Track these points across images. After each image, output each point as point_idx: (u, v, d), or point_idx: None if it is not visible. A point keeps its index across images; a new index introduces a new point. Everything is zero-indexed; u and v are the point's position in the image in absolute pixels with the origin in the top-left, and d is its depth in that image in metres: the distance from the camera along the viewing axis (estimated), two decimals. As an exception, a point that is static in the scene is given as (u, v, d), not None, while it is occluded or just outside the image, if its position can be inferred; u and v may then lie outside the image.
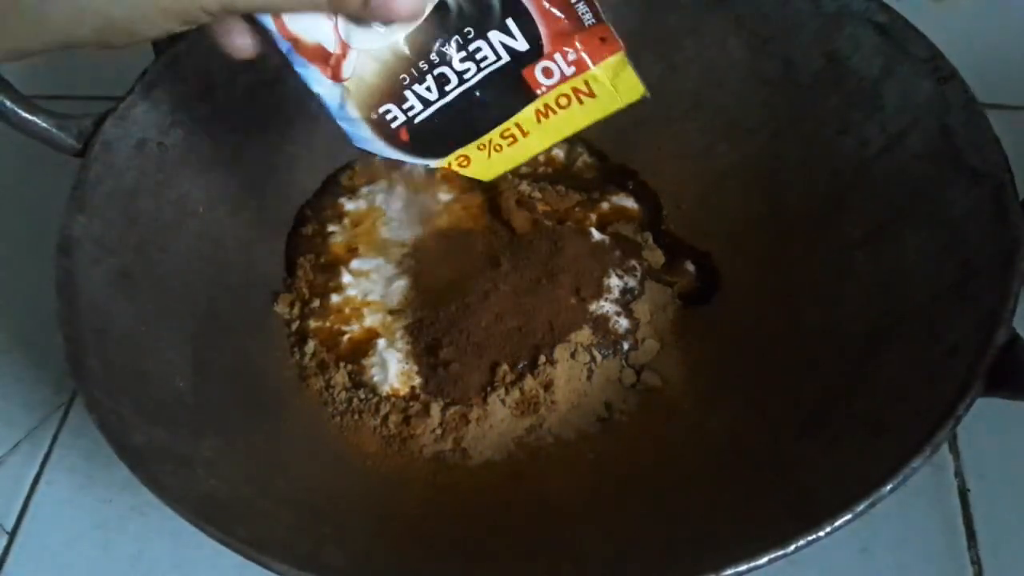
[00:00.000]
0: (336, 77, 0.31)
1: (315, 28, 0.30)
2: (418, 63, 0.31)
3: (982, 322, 0.33)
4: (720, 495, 0.36)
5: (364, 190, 0.49)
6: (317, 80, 0.32)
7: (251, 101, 0.47)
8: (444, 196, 0.49)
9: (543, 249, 0.44)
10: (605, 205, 0.48)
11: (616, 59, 0.33)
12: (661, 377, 0.42)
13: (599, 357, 0.42)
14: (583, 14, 0.31)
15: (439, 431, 0.40)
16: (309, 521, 0.35)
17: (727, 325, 0.43)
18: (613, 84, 0.33)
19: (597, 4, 0.31)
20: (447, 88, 0.32)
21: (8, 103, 0.40)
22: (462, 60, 0.32)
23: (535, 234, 0.45)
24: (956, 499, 0.40)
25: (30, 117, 0.40)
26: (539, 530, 0.37)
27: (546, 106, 0.33)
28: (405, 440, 0.40)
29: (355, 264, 0.46)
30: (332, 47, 0.31)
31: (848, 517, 0.30)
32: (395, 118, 0.33)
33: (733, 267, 0.45)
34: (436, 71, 0.32)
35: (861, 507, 0.30)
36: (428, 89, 0.32)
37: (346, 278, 0.45)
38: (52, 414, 0.45)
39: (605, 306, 0.43)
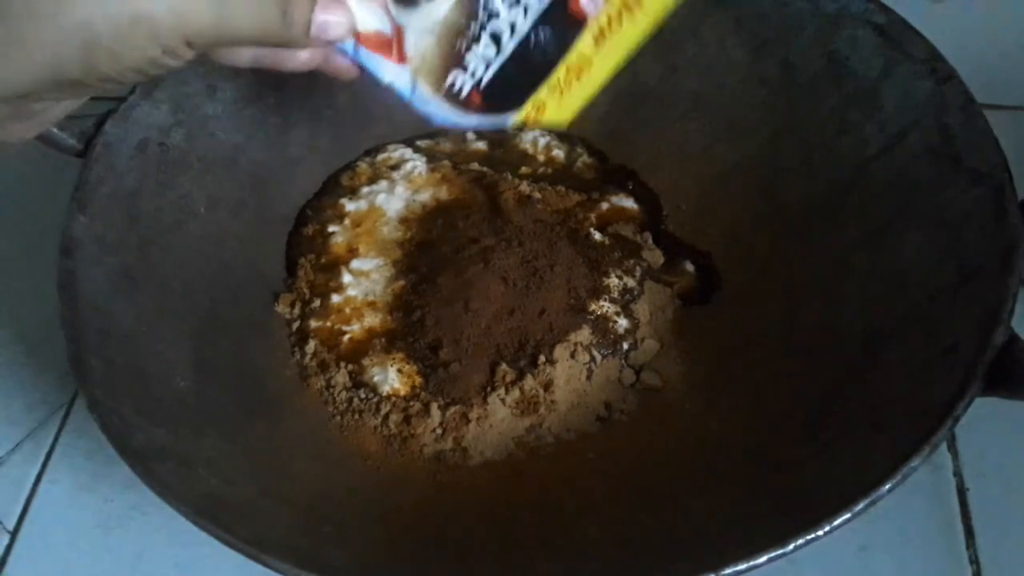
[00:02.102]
0: (401, 59, 0.32)
1: (369, 18, 0.31)
2: (469, 26, 0.32)
3: (981, 322, 0.33)
4: (720, 495, 0.36)
5: (365, 190, 0.49)
6: (385, 69, 0.32)
7: (252, 101, 0.47)
8: (444, 196, 0.49)
9: (543, 249, 0.44)
10: (605, 205, 0.48)
11: None
12: (661, 377, 0.42)
13: (599, 357, 0.42)
14: None
15: (439, 431, 0.40)
16: (309, 521, 0.35)
17: (727, 325, 0.43)
18: None
19: None
20: (503, 42, 0.33)
21: (9, 104, 0.40)
22: (509, 8, 0.32)
23: (535, 234, 0.45)
24: (955, 498, 0.40)
25: (31, 118, 0.40)
26: (539, 530, 0.37)
27: (600, 29, 0.33)
28: (405, 440, 0.40)
29: (355, 264, 0.46)
30: (389, 31, 0.31)
31: (847, 516, 0.30)
32: (464, 84, 0.33)
33: (733, 267, 0.45)
34: (489, 28, 0.32)
35: (860, 506, 0.30)
36: (486, 47, 0.33)
37: (347, 278, 0.45)
38: (54, 414, 0.45)
39: (605, 306, 0.43)
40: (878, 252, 0.40)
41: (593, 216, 0.47)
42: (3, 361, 0.47)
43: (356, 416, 0.41)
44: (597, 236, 0.46)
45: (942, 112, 0.39)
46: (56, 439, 0.45)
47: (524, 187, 0.48)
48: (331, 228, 0.48)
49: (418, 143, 0.52)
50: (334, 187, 0.50)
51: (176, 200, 0.44)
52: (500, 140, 0.52)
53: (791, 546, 0.29)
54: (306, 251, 0.47)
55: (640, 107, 0.50)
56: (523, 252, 0.44)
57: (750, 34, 0.46)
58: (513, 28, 0.33)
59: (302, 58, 0.32)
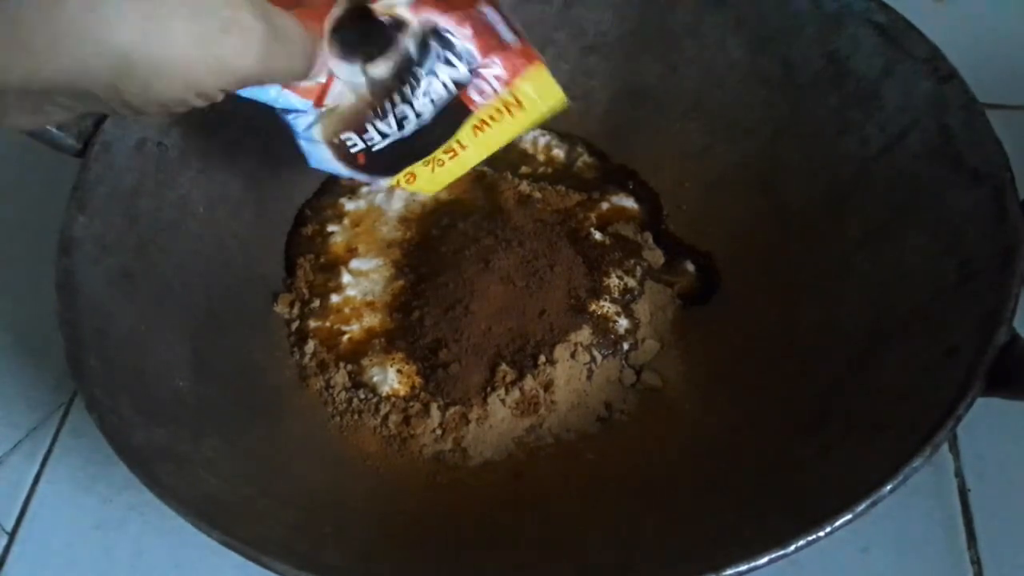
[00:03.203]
0: (319, 103, 0.34)
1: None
2: (383, 102, 0.34)
3: (982, 322, 0.33)
4: (720, 495, 0.36)
5: (364, 190, 0.49)
6: (293, 103, 0.34)
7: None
8: (444, 197, 0.49)
9: (543, 249, 0.44)
10: (605, 205, 0.48)
11: (538, 70, 0.36)
12: (661, 377, 0.42)
13: (599, 357, 0.42)
14: (503, 33, 0.34)
15: (439, 431, 0.40)
16: (309, 521, 0.35)
17: (727, 325, 0.43)
18: (537, 94, 0.36)
19: (512, 21, 0.34)
20: (405, 124, 0.35)
21: (8, 103, 0.40)
22: (421, 99, 0.35)
23: (535, 234, 0.45)
24: (956, 499, 0.40)
25: (30, 117, 0.40)
26: (539, 530, 0.37)
27: (481, 121, 0.36)
28: (405, 440, 0.40)
29: (355, 264, 0.46)
30: (323, 78, 0.33)
31: (848, 517, 0.30)
32: (355, 145, 0.35)
33: (733, 267, 0.45)
34: (398, 110, 0.35)
35: (861, 507, 0.30)
36: (388, 125, 0.35)
37: (346, 278, 0.45)
38: (52, 414, 0.45)
39: (605, 306, 0.43)
40: (879, 252, 0.40)
41: (593, 216, 0.47)
42: (2, 361, 0.47)
43: (356, 416, 0.41)
44: (597, 236, 0.46)
45: (943, 112, 0.39)
46: (55, 439, 0.45)
47: (524, 187, 0.48)
48: (330, 228, 0.48)
49: (418, 143, 0.52)
50: (334, 187, 0.50)
51: (175, 200, 0.44)
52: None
53: (792, 547, 0.29)
54: (305, 251, 0.47)
55: (640, 107, 0.50)
56: (523, 252, 0.44)
57: (750, 34, 0.46)
58: (419, 116, 0.35)
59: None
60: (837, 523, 0.29)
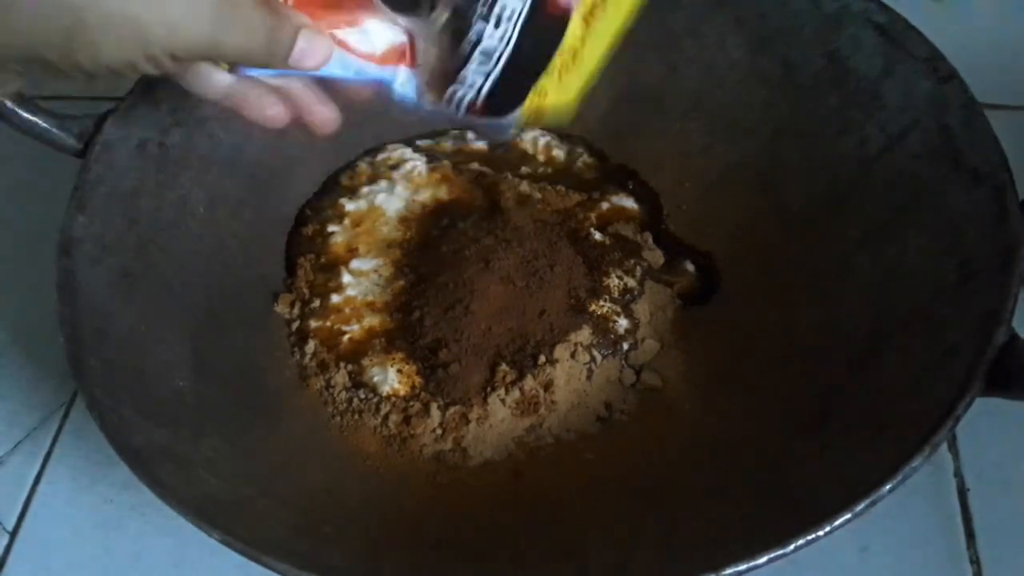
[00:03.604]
0: (413, 63, 0.33)
1: (385, 32, 0.33)
2: (461, 45, 0.33)
3: (982, 322, 0.33)
4: (720, 495, 0.36)
5: (364, 190, 0.49)
6: (395, 78, 0.33)
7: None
8: (444, 196, 0.49)
9: (543, 249, 0.44)
10: (605, 205, 0.48)
11: None
12: (661, 377, 0.42)
13: (599, 357, 0.42)
14: None
15: (439, 431, 0.40)
16: (309, 521, 0.35)
17: (727, 325, 0.43)
18: None
19: None
20: (496, 57, 0.33)
21: (9, 104, 0.40)
22: (496, 26, 0.32)
23: (535, 234, 0.45)
24: (955, 499, 0.40)
25: (31, 118, 0.40)
26: (539, 530, 0.37)
27: (588, 12, 0.34)
28: (405, 440, 0.40)
29: (355, 264, 0.46)
30: (403, 40, 0.33)
31: (847, 517, 0.30)
32: (464, 95, 0.34)
33: (733, 267, 0.45)
34: (480, 47, 0.33)
35: (860, 507, 0.30)
36: (480, 63, 0.33)
37: (346, 278, 0.45)
38: (53, 414, 0.45)
39: (605, 306, 0.43)
40: (878, 252, 0.40)
41: (593, 216, 0.47)
42: (3, 361, 0.47)
43: (356, 416, 0.41)
44: (597, 236, 0.46)
45: (943, 112, 0.39)
46: (55, 439, 0.45)
47: (524, 187, 0.48)
48: (331, 228, 0.48)
49: (418, 143, 0.52)
50: (334, 187, 0.50)
51: (175, 200, 0.44)
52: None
53: (791, 546, 0.29)
54: (306, 251, 0.47)
55: (640, 107, 0.50)
56: (523, 252, 0.44)
57: (750, 34, 0.46)
58: (503, 41, 0.33)
59: (271, 112, 0.33)
60: (836, 523, 0.29)
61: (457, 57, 0.33)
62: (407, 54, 0.33)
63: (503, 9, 0.32)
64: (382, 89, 0.34)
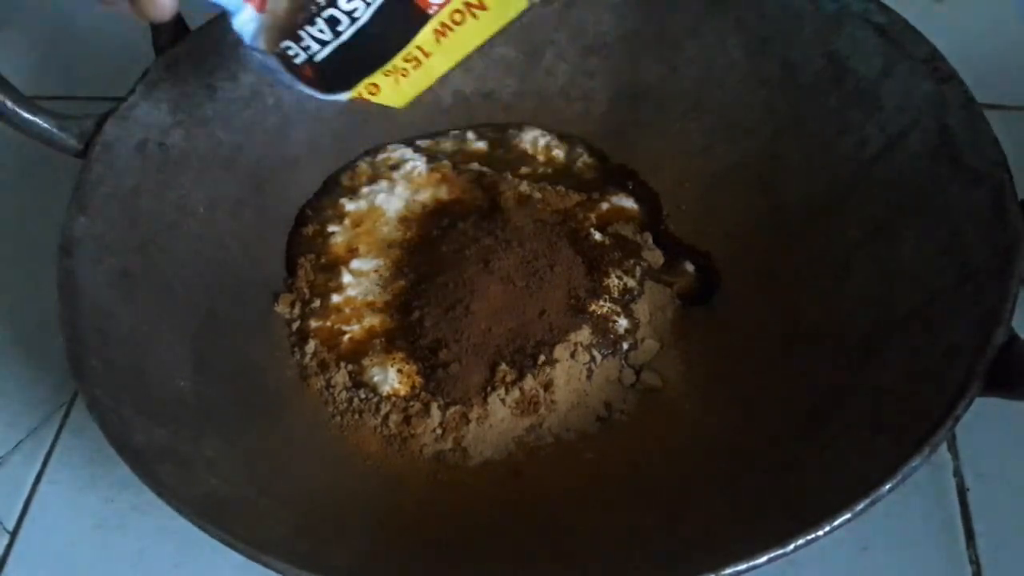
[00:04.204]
0: (261, 7, 0.33)
1: None
2: (308, 5, 0.32)
3: (981, 322, 0.33)
4: (720, 495, 0.36)
5: (365, 190, 0.49)
6: (239, 11, 0.33)
7: (251, 101, 0.47)
8: (444, 196, 0.49)
9: (543, 249, 0.44)
10: (605, 205, 0.48)
11: None
12: (661, 377, 0.42)
13: (599, 357, 0.42)
14: None
15: (439, 431, 0.40)
16: (309, 521, 0.35)
17: (727, 325, 0.43)
18: None
19: None
20: (339, 29, 0.33)
21: (10, 104, 0.40)
22: (348, 0, 0.32)
23: (535, 234, 0.45)
24: (955, 498, 0.40)
25: (32, 118, 0.40)
26: (539, 530, 0.37)
27: (442, 24, 0.34)
28: (405, 440, 0.40)
29: (355, 264, 0.46)
30: None
31: (847, 516, 0.30)
32: (296, 55, 0.34)
33: (733, 267, 0.45)
34: (326, 13, 0.32)
35: (860, 506, 0.30)
36: (321, 31, 0.33)
37: (346, 278, 0.45)
38: (53, 414, 0.45)
39: (605, 306, 0.43)
40: (878, 252, 0.40)
41: (593, 216, 0.47)
42: (3, 361, 0.47)
43: (356, 416, 0.41)
44: (597, 236, 0.46)
45: (942, 112, 0.39)
46: (56, 439, 0.45)
47: (524, 187, 0.48)
48: (331, 228, 0.48)
49: (418, 143, 0.52)
50: (334, 187, 0.50)
51: (176, 200, 0.44)
52: (500, 140, 0.52)
53: (791, 546, 0.29)
54: (306, 251, 0.47)
55: (640, 107, 0.50)
56: (523, 252, 0.44)
57: (750, 34, 0.46)
58: (352, 17, 0.33)
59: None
60: (836, 522, 0.29)
61: (302, 15, 0.32)
62: None
63: None
64: (224, 16, 0.33)
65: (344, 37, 0.33)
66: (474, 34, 0.35)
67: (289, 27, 0.33)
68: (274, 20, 0.33)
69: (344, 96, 0.35)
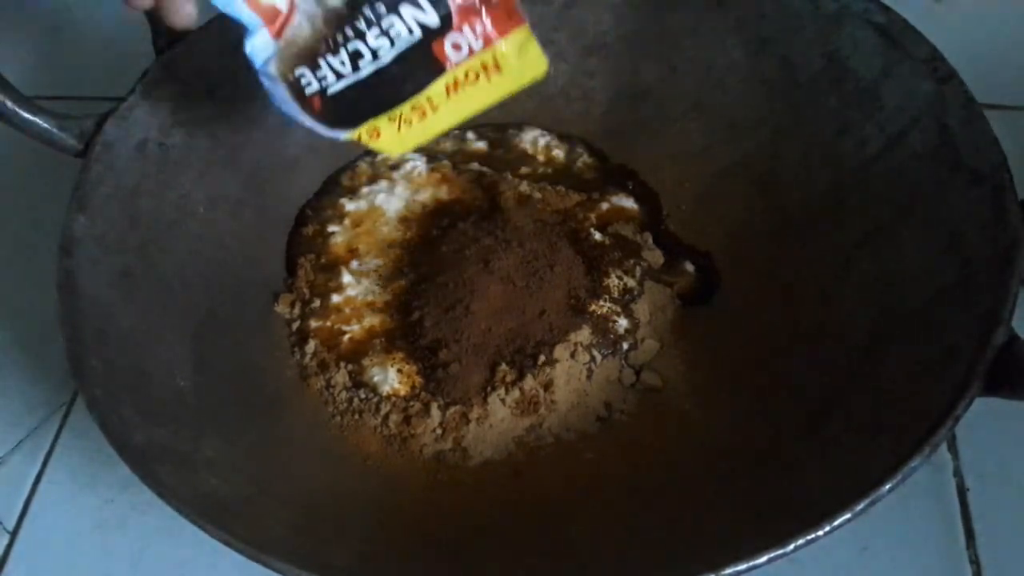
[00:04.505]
0: (278, 35, 0.33)
1: None
2: (335, 34, 0.32)
3: (981, 322, 0.33)
4: (720, 494, 0.36)
5: (365, 190, 0.49)
6: (256, 33, 0.33)
7: (251, 101, 0.47)
8: (444, 196, 0.49)
9: (543, 249, 0.44)
10: (605, 205, 0.48)
11: (521, 33, 0.33)
12: (661, 377, 0.42)
13: (599, 357, 0.42)
14: None
15: (439, 431, 0.40)
16: (309, 521, 0.35)
17: (727, 325, 0.43)
18: (519, 59, 0.34)
19: None
20: (360, 64, 0.33)
21: (10, 104, 0.40)
22: (376, 37, 0.32)
23: (535, 234, 0.45)
24: (955, 498, 0.40)
25: (31, 118, 0.40)
26: (539, 530, 0.37)
27: (455, 81, 0.34)
28: (405, 440, 0.40)
29: (355, 264, 0.46)
30: (283, 7, 0.32)
31: (847, 516, 0.30)
32: (309, 83, 0.34)
33: (733, 267, 0.45)
34: (351, 46, 0.32)
35: (860, 506, 0.30)
36: (342, 63, 0.33)
37: (346, 278, 0.45)
38: (53, 414, 0.45)
39: (605, 306, 0.43)
40: (878, 252, 0.40)
41: (593, 216, 0.47)
42: (3, 361, 0.47)
43: (356, 416, 0.41)
44: (597, 236, 0.46)
45: (942, 112, 0.39)
46: (56, 439, 0.45)
47: (524, 187, 0.48)
48: (331, 228, 0.48)
49: (418, 143, 0.52)
50: (334, 187, 0.50)
51: (176, 200, 0.44)
52: (500, 140, 0.52)
53: (791, 546, 0.29)
54: (306, 251, 0.47)
55: (640, 107, 0.50)
56: (523, 252, 0.44)
57: (750, 34, 0.46)
58: (375, 55, 0.33)
59: None
60: (836, 522, 0.29)
61: (324, 45, 0.32)
62: (279, 23, 0.32)
63: (392, 26, 0.32)
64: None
65: (362, 74, 0.33)
66: (484, 95, 0.35)
67: (307, 55, 0.33)
68: (290, 47, 0.33)
69: (344, 135, 0.35)
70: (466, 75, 0.34)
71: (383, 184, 0.49)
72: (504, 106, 0.52)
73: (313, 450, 0.40)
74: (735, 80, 0.47)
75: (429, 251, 0.46)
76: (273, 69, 0.33)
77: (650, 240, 0.47)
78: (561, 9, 0.50)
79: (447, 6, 0.32)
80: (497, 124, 0.52)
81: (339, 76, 0.33)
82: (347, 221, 0.48)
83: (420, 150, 0.51)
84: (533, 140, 0.51)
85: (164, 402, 0.37)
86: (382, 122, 0.35)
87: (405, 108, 0.34)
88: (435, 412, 0.40)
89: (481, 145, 0.52)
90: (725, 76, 0.48)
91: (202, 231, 0.44)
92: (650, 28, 0.49)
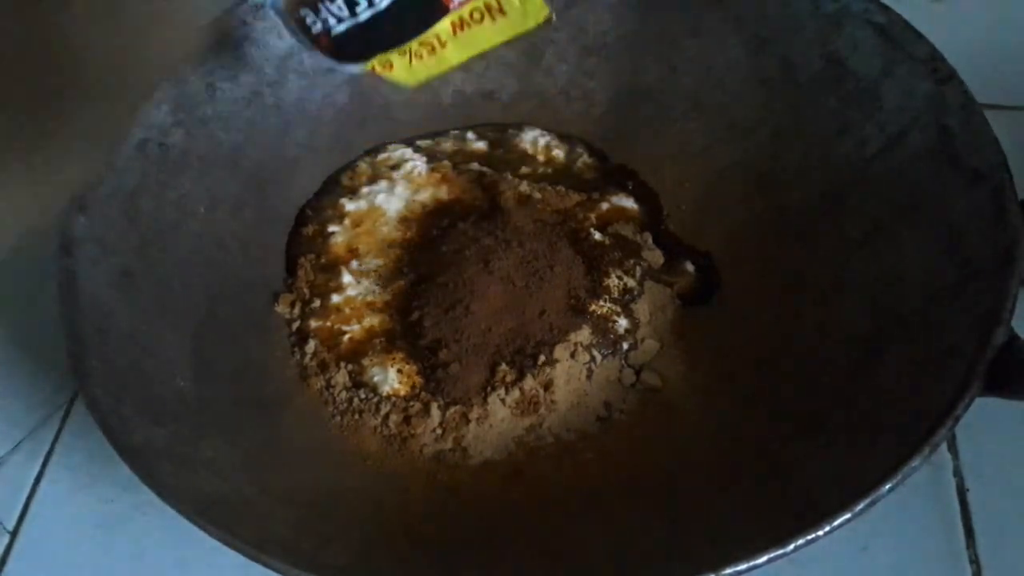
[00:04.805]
0: None
1: None
2: None
3: (981, 322, 0.33)
4: (719, 495, 0.36)
5: (365, 190, 0.49)
6: None
7: (251, 101, 0.47)
8: (444, 196, 0.49)
9: (543, 249, 0.44)
10: (605, 205, 0.48)
11: None
12: (661, 377, 0.42)
13: (599, 357, 0.42)
14: None
15: (439, 431, 0.40)
16: (309, 521, 0.35)
17: (727, 325, 0.43)
18: (521, 3, 0.35)
19: None
20: (357, 10, 0.34)
21: (9, 103, 0.40)
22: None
23: (535, 234, 0.45)
24: (955, 499, 0.40)
25: (31, 117, 0.40)
26: (539, 530, 0.37)
27: (460, 19, 0.35)
28: (405, 440, 0.40)
29: (355, 264, 0.46)
30: None
31: (847, 516, 0.30)
32: (314, 23, 0.35)
33: (733, 267, 0.45)
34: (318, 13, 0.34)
35: (860, 506, 0.30)
36: (339, 8, 0.34)
37: (346, 278, 0.45)
38: (53, 414, 0.45)
39: (605, 306, 0.43)
40: (878, 252, 0.40)
41: (593, 216, 0.47)
42: (3, 361, 0.47)
43: (356, 416, 0.41)
44: (597, 236, 0.46)
45: (942, 112, 0.39)
46: (56, 439, 0.45)
47: (524, 187, 0.48)
48: (331, 228, 0.48)
49: (418, 143, 0.52)
50: (334, 187, 0.50)
51: (176, 200, 0.44)
52: (500, 140, 0.52)
53: (791, 546, 0.29)
54: (306, 251, 0.47)
55: (640, 107, 0.50)
56: (523, 252, 0.44)
57: (750, 34, 0.46)
58: (372, 2, 0.33)
59: None
60: (836, 522, 0.30)
61: None
62: None
63: None
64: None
65: (360, 18, 0.34)
66: (490, 35, 0.36)
67: None
68: None
69: (356, 69, 0.36)
70: (471, 14, 0.35)
71: (383, 184, 0.49)
72: (504, 106, 0.52)
73: (313, 450, 0.40)
74: (735, 80, 0.47)
75: (429, 251, 0.46)
76: (282, 5, 0.35)
77: (650, 240, 0.47)
78: (561, 9, 0.50)
79: None
80: (497, 124, 0.52)
81: (338, 20, 0.34)
82: (347, 221, 0.48)
83: (420, 150, 0.51)
84: (533, 140, 0.51)
85: (164, 402, 0.37)
86: (393, 55, 0.36)
87: (413, 44, 0.36)
88: (435, 412, 0.40)
89: (481, 145, 0.52)
90: (725, 76, 0.48)
91: (202, 231, 0.44)
92: (650, 28, 0.49)
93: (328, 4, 0.34)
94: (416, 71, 0.37)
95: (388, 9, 0.34)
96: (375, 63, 0.36)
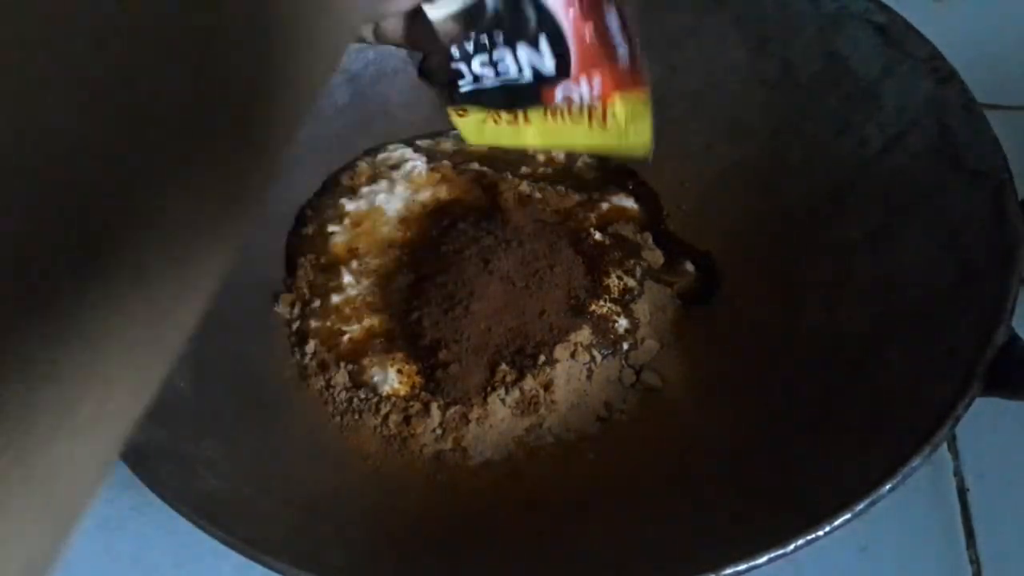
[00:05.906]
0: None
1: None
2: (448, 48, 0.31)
3: (981, 322, 0.33)
4: (720, 494, 0.36)
5: (365, 190, 0.49)
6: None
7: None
8: (444, 196, 0.49)
9: (543, 249, 0.44)
10: (605, 205, 0.48)
11: (639, 97, 0.31)
12: (661, 377, 0.42)
13: (599, 357, 0.42)
14: (619, 49, 0.30)
15: (439, 431, 0.40)
16: (309, 521, 0.35)
17: (727, 325, 0.43)
18: (626, 123, 0.32)
19: (636, 39, 0.30)
20: (460, 83, 0.31)
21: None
22: (481, 65, 0.30)
23: (535, 234, 0.45)
24: (955, 498, 0.40)
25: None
26: (539, 530, 0.37)
27: (558, 109, 0.32)
28: (405, 440, 0.40)
29: (355, 264, 0.46)
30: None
31: (847, 516, 0.30)
32: (455, 59, 0.31)
33: (733, 267, 0.45)
34: (453, 65, 0.30)
35: (860, 506, 0.30)
36: (482, 63, 0.31)
37: (346, 278, 0.45)
38: (53, 414, 0.45)
39: (605, 306, 0.43)
40: (878, 252, 0.40)
41: (593, 216, 0.47)
42: (3, 361, 0.47)
43: (356, 416, 0.41)
44: (597, 236, 0.46)
45: (942, 112, 0.39)
46: (56, 439, 0.45)
47: (524, 187, 0.48)
48: (331, 228, 0.48)
49: (418, 143, 0.52)
50: (334, 187, 0.50)
51: (176, 200, 0.44)
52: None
53: (791, 546, 0.29)
54: (306, 251, 0.47)
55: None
56: (523, 252, 0.44)
57: (750, 34, 0.46)
58: (476, 80, 0.31)
59: None
60: (836, 522, 0.30)
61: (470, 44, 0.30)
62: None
63: (501, 61, 0.30)
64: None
65: (462, 89, 0.31)
66: (578, 137, 0.32)
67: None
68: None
69: (445, 108, 0.33)
70: (569, 110, 0.32)
71: (383, 184, 0.49)
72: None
73: (313, 450, 0.40)
74: (735, 80, 0.47)
75: (429, 251, 0.46)
76: (442, 28, 0.30)
77: (650, 240, 0.47)
78: (561, 9, 0.50)
79: (568, 57, 0.29)
80: (497, 124, 0.52)
81: (474, 74, 0.31)
82: (347, 221, 0.48)
83: (420, 150, 0.51)
84: (533, 140, 0.51)
85: (164, 402, 0.37)
86: (471, 107, 0.33)
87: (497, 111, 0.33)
88: (435, 412, 0.40)
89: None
90: (725, 77, 0.48)
91: (202, 231, 0.44)
92: (650, 28, 0.49)
93: (477, 56, 0.30)
94: (485, 133, 0.33)
95: (491, 89, 0.31)
96: (454, 111, 0.33)
